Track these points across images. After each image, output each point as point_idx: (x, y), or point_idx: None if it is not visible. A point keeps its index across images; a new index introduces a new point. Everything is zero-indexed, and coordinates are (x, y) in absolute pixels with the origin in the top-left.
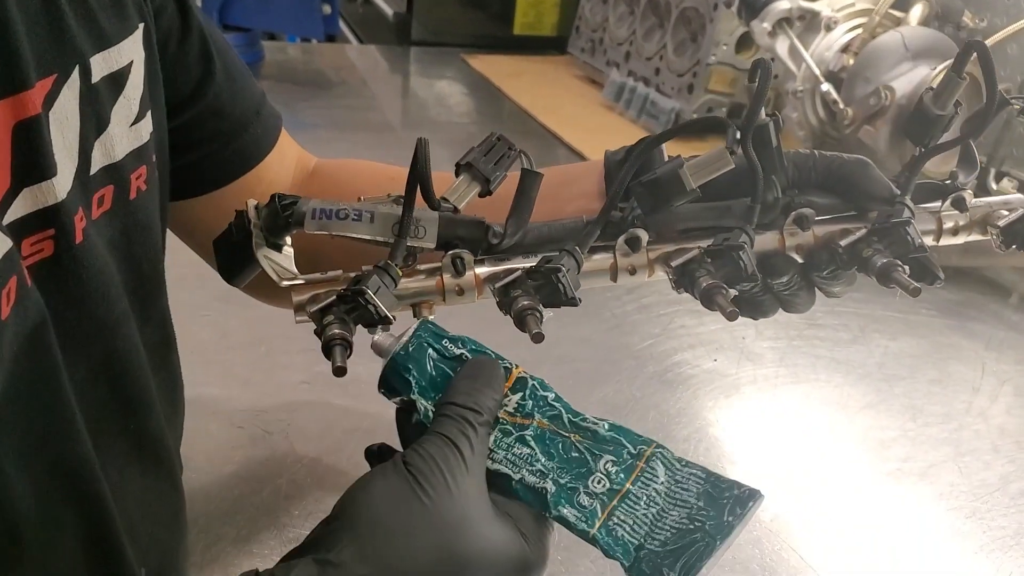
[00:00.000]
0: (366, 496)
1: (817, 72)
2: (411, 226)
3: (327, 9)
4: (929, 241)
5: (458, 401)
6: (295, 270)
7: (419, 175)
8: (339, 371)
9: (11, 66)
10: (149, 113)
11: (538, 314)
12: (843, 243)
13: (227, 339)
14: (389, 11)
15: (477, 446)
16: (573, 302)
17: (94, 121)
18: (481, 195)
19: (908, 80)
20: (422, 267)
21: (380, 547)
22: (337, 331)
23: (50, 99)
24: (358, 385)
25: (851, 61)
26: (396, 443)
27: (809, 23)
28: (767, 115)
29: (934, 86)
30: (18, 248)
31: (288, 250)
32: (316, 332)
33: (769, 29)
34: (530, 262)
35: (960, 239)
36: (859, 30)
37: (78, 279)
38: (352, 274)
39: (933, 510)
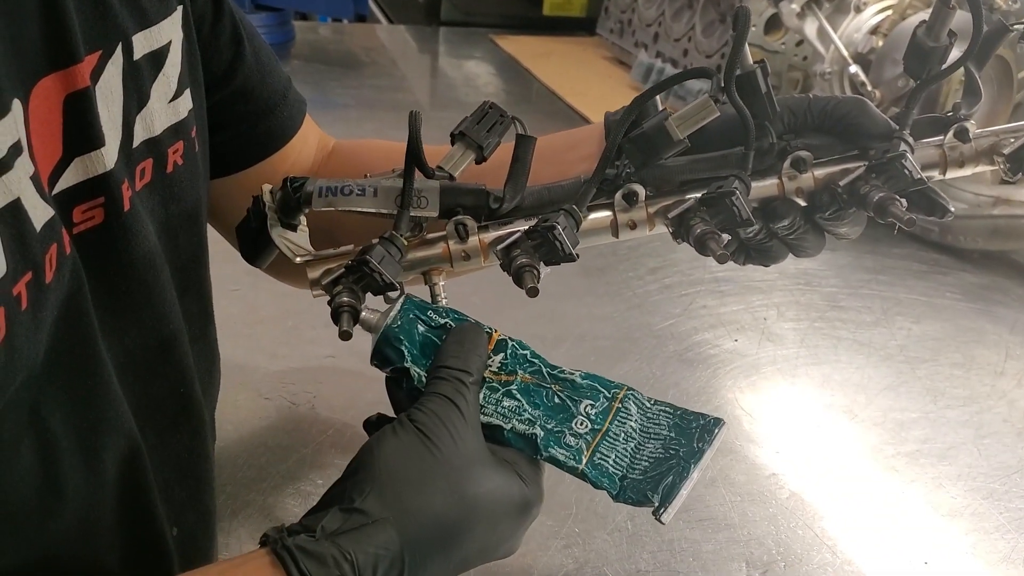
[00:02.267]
0: (382, 451)
1: (845, 54)
2: (413, 197)
3: None
4: (935, 174)
5: (450, 364)
6: (310, 247)
7: (412, 147)
8: (344, 335)
9: (62, 40)
10: (188, 91)
11: (535, 271)
12: (842, 183)
13: (256, 313)
14: None
15: (471, 402)
16: (571, 258)
17: (136, 96)
18: (476, 162)
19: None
20: (429, 236)
21: (399, 494)
22: (346, 299)
23: (96, 73)
24: None
25: (880, 43)
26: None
27: (838, 4)
28: (755, 63)
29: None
30: (69, 216)
31: (303, 229)
32: (328, 302)
33: (798, 10)
34: (531, 224)
35: (967, 171)
36: (889, 12)
37: (127, 245)
38: (361, 248)
39: (951, 490)
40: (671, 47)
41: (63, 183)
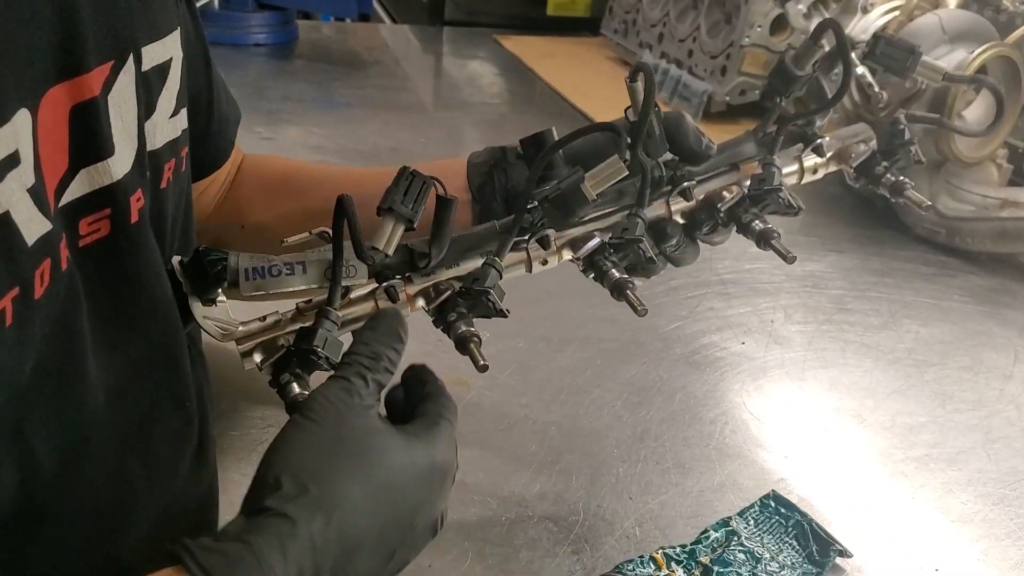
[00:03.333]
0: (276, 450)
1: (852, 55)
2: (342, 268)
3: None
4: (792, 181)
5: (356, 350)
6: (234, 319)
7: (352, 230)
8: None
9: (68, 52)
10: (184, 110)
11: (478, 339)
12: (721, 207)
13: None
14: None
15: (371, 383)
16: (503, 314)
17: (144, 108)
18: (407, 230)
19: (945, 63)
20: (355, 294)
21: (298, 483)
22: (297, 390)
23: (108, 84)
24: None
25: None
26: None
27: (845, 5)
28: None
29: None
30: (75, 228)
31: (223, 301)
32: (272, 385)
33: (804, 11)
34: (454, 272)
35: (820, 175)
36: (896, 12)
37: (133, 257)
38: (289, 314)
39: (960, 496)
40: (676, 47)
41: (69, 195)
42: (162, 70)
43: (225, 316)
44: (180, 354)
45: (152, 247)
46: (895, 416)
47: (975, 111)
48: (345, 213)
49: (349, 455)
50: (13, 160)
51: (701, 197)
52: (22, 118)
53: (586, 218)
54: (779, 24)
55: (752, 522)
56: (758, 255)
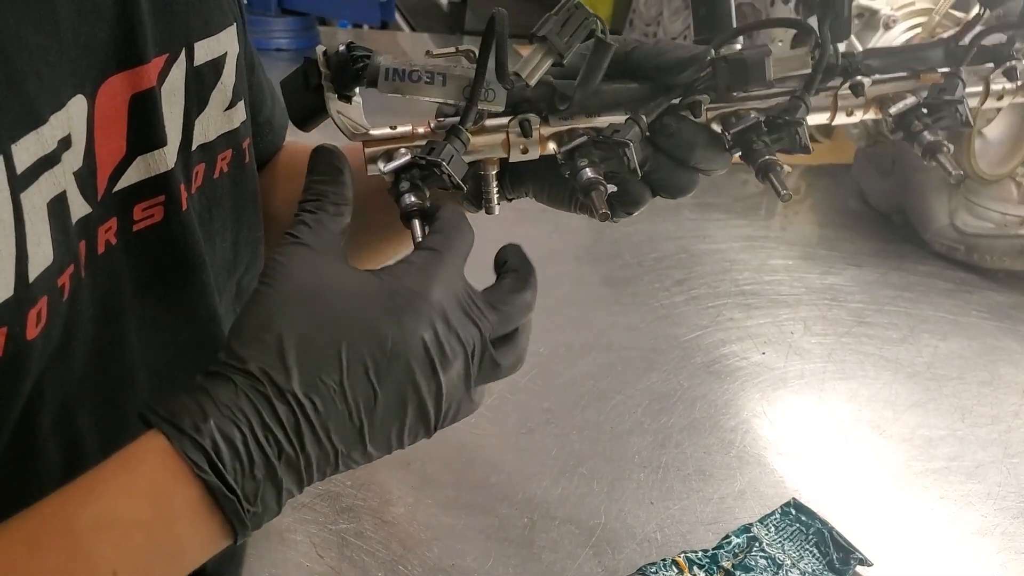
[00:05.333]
0: (239, 320)
1: None
2: (482, 90)
3: None
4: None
5: (301, 198)
6: (366, 124)
7: (498, 50)
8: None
9: (131, 42)
10: (241, 103)
11: (603, 189)
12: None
13: None
14: (444, 0)
15: (317, 225)
16: (635, 173)
17: (195, 101)
18: (554, 65)
19: None
20: (489, 123)
21: (254, 338)
22: (414, 200)
23: (163, 75)
24: None
25: None
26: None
27: (867, 21)
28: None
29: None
30: (130, 213)
31: (357, 100)
32: (390, 193)
33: None
34: (593, 122)
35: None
36: (918, 29)
37: (184, 244)
38: (420, 130)
39: (980, 508)
40: None
41: (125, 180)
42: (216, 65)
43: (359, 116)
44: (223, 338)
45: (198, 236)
46: (914, 428)
47: (996, 129)
48: (495, 32)
49: (298, 299)
50: (66, 143)
51: (871, 97)
52: (77, 104)
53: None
54: (800, 39)
55: (773, 529)
56: (777, 267)
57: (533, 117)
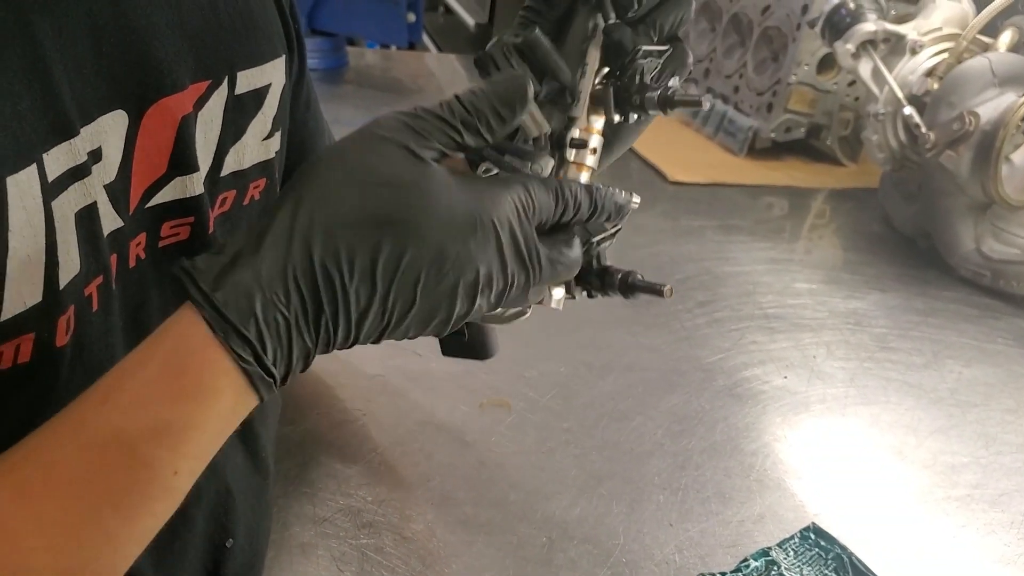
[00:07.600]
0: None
1: (900, 95)
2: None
3: (412, 17)
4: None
5: (456, 97)
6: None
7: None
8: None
9: (175, 67)
10: (279, 133)
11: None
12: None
13: None
14: (471, 21)
15: (439, 135)
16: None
17: (232, 129)
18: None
19: (994, 107)
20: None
21: (313, 200)
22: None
23: (201, 101)
24: (430, 379)
25: (935, 85)
26: (463, 443)
27: (894, 46)
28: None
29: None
30: (158, 229)
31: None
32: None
33: (853, 51)
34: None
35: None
36: (945, 55)
37: None
38: None
39: (1003, 537)
40: (722, 83)
41: (159, 198)
42: (258, 95)
43: None
44: None
45: None
46: (937, 455)
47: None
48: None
49: (382, 191)
50: (96, 155)
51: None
52: (112, 120)
53: None
54: (826, 63)
55: (792, 553)
56: (801, 291)
57: (568, 150)
